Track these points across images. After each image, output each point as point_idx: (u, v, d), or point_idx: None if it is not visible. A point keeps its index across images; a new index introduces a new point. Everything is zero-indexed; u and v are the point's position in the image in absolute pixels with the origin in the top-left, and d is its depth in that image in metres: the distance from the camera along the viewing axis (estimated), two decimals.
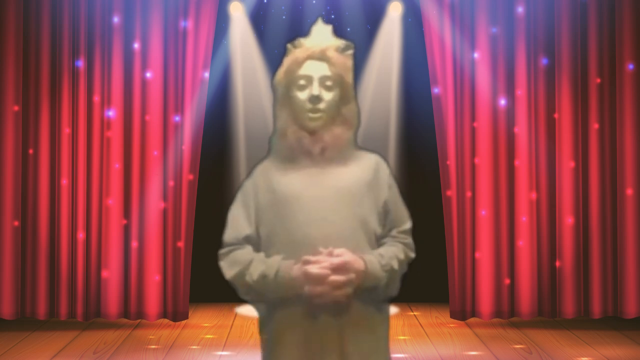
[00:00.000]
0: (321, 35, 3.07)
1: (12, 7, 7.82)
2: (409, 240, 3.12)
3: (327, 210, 2.97)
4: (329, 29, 3.08)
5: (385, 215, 3.08)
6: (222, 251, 3.05)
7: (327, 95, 3.00)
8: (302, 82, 3.01)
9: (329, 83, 3.01)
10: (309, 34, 3.09)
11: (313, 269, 2.88)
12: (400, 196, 3.15)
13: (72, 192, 7.87)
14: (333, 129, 3.02)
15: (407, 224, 3.13)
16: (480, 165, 7.98)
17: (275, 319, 3.00)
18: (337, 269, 2.88)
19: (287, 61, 3.06)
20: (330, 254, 2.89)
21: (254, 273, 2.95)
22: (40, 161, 7.86)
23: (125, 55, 7.92)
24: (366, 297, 2.97)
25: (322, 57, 3.02)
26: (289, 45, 3.09)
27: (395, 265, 3.00)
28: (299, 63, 3.02)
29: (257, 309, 3.08)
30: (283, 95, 3.05)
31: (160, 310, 7.93)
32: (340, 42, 3.08)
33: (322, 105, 2.99)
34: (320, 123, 3.00)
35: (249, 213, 3.03)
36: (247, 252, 3.00)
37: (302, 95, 3.00)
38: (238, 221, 3.04)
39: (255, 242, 3.03)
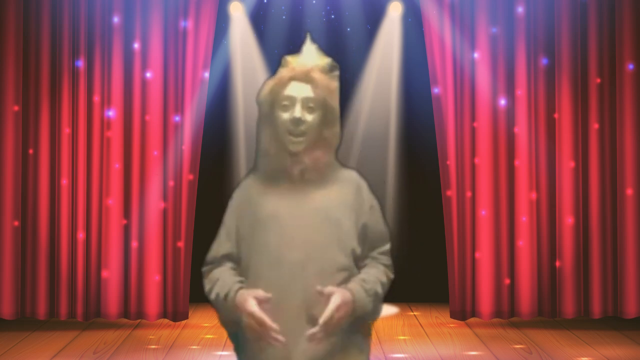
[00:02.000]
0: (307, 57, 3.07)
1: (12, 7, 7.82)
2: (390, 262, 3.11)
3: (305, 232, 2.97)
4: (316, 50, 3.08)
5: (364, 235, 3.06)
6: (203, 269, 3.11)
7: (309, 117, 2.99)
8: (285, 102, 3.00)
9: (311, 105, 3.00)
10: (300, 52, 3.09)
11: (253, 307, 2.87)
12: (382, 216, 3.12)
13: (72, 192, 7.87)
14: (314, 151, 3.01)
15: (387, 245, 3.11)
16: (480, 165, 7.98)
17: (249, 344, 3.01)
18: (329, 323, 2.88)
19: (272, 80, 3.06)
20: (325, 296, 2.89)
21: (213, 292, 3.02)
22: (40, 161, 7.86)
23: (125, 55, 7.92)
24: (353, 326, 2.97)
25: (306, 78, 3.01)
26: (281, 62, 3.09)
27: (379, 289, 3.01)
28: (283, 83, 3.02)
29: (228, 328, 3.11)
30: (267, 114, 3.04)
31: (160, 310, 7.93)
32: (326, 63, 3.07)
33: (303, 127, 2.98)
34: (301, 147, 3.00)
35: (230, 232, 3.07)
36: (220, 270, 3.05)
37: (285, 115, 3.00)
38: (219, 240, 3.09)
39: (236, 259, 3.07)
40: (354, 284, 2.96)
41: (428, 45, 8.00)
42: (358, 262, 3.05)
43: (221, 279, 3.01)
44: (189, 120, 7.93)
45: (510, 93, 7.98)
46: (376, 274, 3.03)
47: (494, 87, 7.96)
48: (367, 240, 3.06)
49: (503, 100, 7.97)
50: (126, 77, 7.93)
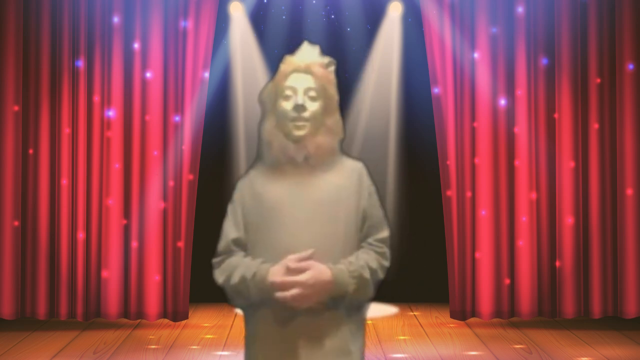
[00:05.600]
0: (307, 53, 3.23)
1: (12, 7, 7.82)
2: (385, 249, 3.17)
3: (308, 218, 3.08)
4: (315, 48, 3.24)
5: (363, 221, 3.15)
6: (215, 260, 3.18)
7: (312, 106, 3.13)
8: (287, 92, 3.14)
9: (313, 94, 3.14)
10: (295, 53, 3.24)
11: (277, 278, 2.99)
12: (380, 204, 3.22)
13: (72, 192, 7.87)
14: (317, 138, 3.13)
15: (384, 233, 3.18)
16: (480, 165, 7.98)
17: (256, 320, 3.13)
18: (303, 284, 2.99)
19: (274, 77, 3.21)
20: (299, 260, 2.99)
21: (236, 276, 3.08)
22: (40, 161, 7.86)
23: (125, 55, 7.93)
24: (337, 303, 3.05)
25: (306, 70, 3.17)
26: (280, 64, 3.23)
27: (366, 274, 3.07)
28: (285, 76, 3.17)
29: (243, 310, 3.21)
30: (270, 107, 3.18)
31: (160, 310, 7.93)
32: (324, 59, 3.22)
33: (306, 114, 3.11)
34: (305, 132, 3.12)
35: (237, 220, 3.15)
36: (236, 258, 3.13)
37: (287, 105, 3.13)
38: (227, 228, 3.17)
39: (244, 245, 3.15)
40: (338, 265, 3.04)
41: (428, 45, 8.00)
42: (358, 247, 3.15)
43: (241, 265, 3.08)
44: (189, 120, 7.94)
45: (510, 93, 7.98)
46: (366, 258, 3.10)
47: (494, 87, 7.96)
48: (364, 227, 3.15)
49: (503, 100, 7.97)
50: (126, 77, 7.93)
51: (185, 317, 8.03)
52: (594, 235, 7.91)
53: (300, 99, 3.12)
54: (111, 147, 7.92)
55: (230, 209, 3.19)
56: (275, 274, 3.00)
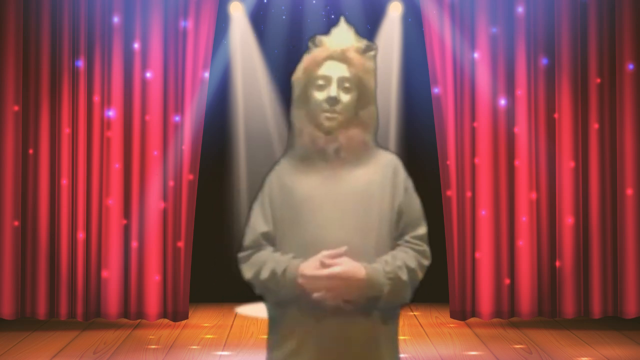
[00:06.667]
0: (343, 36, 3.03)
1: (12, 7, 7.82)
2: (424, 247, 3.06)
3: (339, 213, 2.93)
4: (351, 29, 3.04)
5: (399, 218, 3.02)
6: (241, 254, 3.04)
7: (345, 97, 2.97)
8: (320, 82, 2.97)
9: (347, 85, 2.97)
10: (330, 33, 3.05)
11: (308, 270, 2.86)
12: (418, 199, 3.08)
13: (72, 192, 7.87)
14: (348, 130, 2.97)
15: (422, 229, 3.08)
16: (480, 165, 7.98)
17: (285, 320, 2.98)
18: (335, 277, 2.85)
19: (306, 59, 3.02)
20: (332, 257, 2.86)
21: (265, 271, 2.94)
22: (40, 161, 7.85)
23: (125, 55, 7.92)
24: (371, 306, 2.93)
25: (342, 57, 2.98)
26: (310, 43, 3.05)
27: (403, 274, 2.94)
28: (318, 63, 2.98)
29: (270, 309, 3.06)
30: (300, 94, 3.01)
31: (160, 310, 7.93)
32: (362, 43, 3.03)
33: (339, 107, 2.95)
34: (336, 124, 2.96)
35: (265, 212, 3.02)
36: (265, 253, 2.99)
37: (320, 95, 2.97)
38: (256, 222, 3.03)
39: (272, 239, 3.02)
40: (373, 264, 2.91)
41: (428, 45, 8.00)
42: (393, 243, 3.01)
43: (270, 259, 2.94)
44: (189, 120, 7.93)
45: (510, 93, 7.98)
46: (404, 258, 2.98)
47: (494, 87, 7.96)
48: (400, 223, 3.02)
49: (503, 100, 7.97)
50: (126, 77, 7.93)
51: (185, 317, 8.03)
52: (594, 235, 7.91)
53: (333, 90, 2.94)
54: (111, 147, 7.92)
55: (258, 201, 3.04)
56: (307, 268, 2.86)
